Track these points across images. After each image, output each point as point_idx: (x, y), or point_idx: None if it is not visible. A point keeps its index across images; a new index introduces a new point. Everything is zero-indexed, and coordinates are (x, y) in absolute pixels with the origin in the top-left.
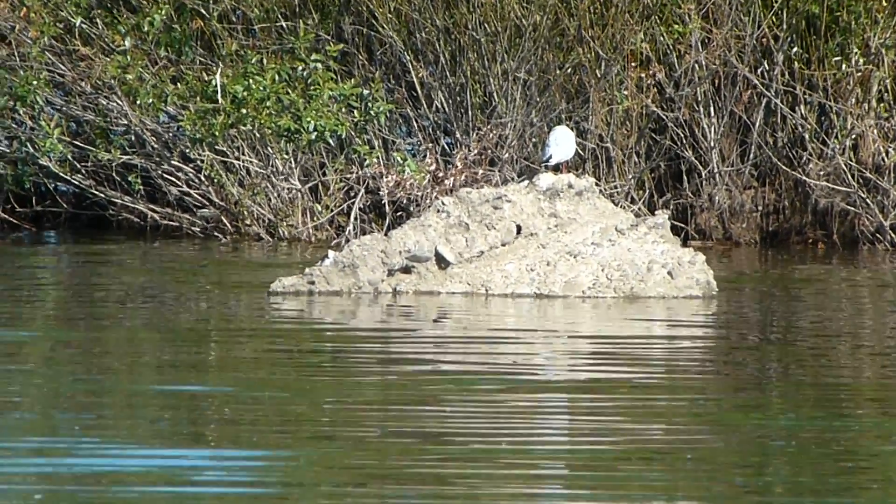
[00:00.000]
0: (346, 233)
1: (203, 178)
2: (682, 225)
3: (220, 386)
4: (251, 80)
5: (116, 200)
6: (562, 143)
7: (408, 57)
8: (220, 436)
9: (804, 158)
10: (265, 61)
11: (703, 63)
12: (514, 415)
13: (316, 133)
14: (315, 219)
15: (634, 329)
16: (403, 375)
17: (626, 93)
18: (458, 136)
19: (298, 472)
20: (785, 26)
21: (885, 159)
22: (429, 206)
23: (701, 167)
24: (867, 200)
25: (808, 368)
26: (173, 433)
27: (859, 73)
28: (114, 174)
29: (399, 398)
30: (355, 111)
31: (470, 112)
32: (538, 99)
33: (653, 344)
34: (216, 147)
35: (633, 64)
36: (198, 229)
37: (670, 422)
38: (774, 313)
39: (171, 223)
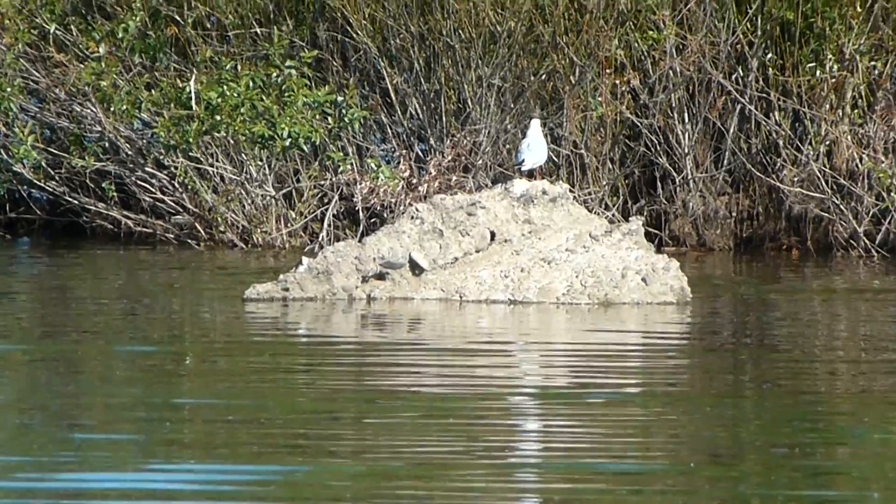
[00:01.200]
0: (320, 239)
1: (177, 185)
2: (657, 231)
3: (198, 398)
4: (225, 87)
5: (90, 207)
6: (535, 147)
7: (382, 63)
8: (200, 450)
9: (778, 165)
10: (239, 68)
11: (678, 69)
12: (489, 426)
13: (290, 139)
14: (289, 225)
15: (609, 337)
16: (379, 389)
17: (600, 99)
18: (432, 142)
19: (279, 486)
20: (759, 32)
21: (859, 165)
22: (403, 213)
23: (675, 173)
24: (841, 207)
25: (783, 378)
26: (152, 447)
27: (833, 80)
28: (88, 181)
29: (375, 412)
30: (329, 118)
31: (444, 118)
32: (512, 105)
33: (627, 353)
34: (190, 154)
35: (607, 70)
36: (172, 236)
37: (644, 433)
38: (748, 320)
39: (145, 230)
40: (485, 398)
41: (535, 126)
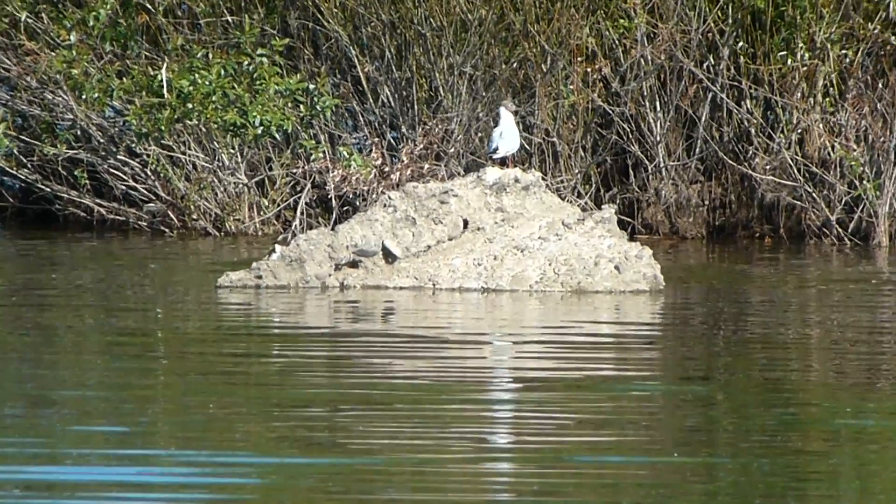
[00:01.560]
0: (293, 227)
1: (149, 173)
2: (629, 219)
3: (171, 389)
4: (197, 75)
5: (63, 195)
6: (507, 135)
7: (353, 51)
8: (172, 441)
9: (750, 153)
10: (211, 56)
11: (649, 58)
12: (462, 419)
13: (262, 127)
14: (261, 213)
15: (582, 326)
16: (352, 379)
17: (571, 87)
18: (404, 130)
19: (253, 478)
20: (730, 21)
21: (831, 154)
22: (375, 201)
23: (647, 161)
24: (813, 195)
25: (756, 368)
26: (125, 439)
27: (805, 68)
28: (60, 169)
29: (347, 402)
30: (301, 106)
31: (416, 107)
32: (484, 93)
33: (601, 342)
34: (162, 142)
35: (578, 58)
36: (144, 224)
37: (618, 423)
38: (721, 308)
39: (118, 218)
40: (459, 388)
41: (505, 114)
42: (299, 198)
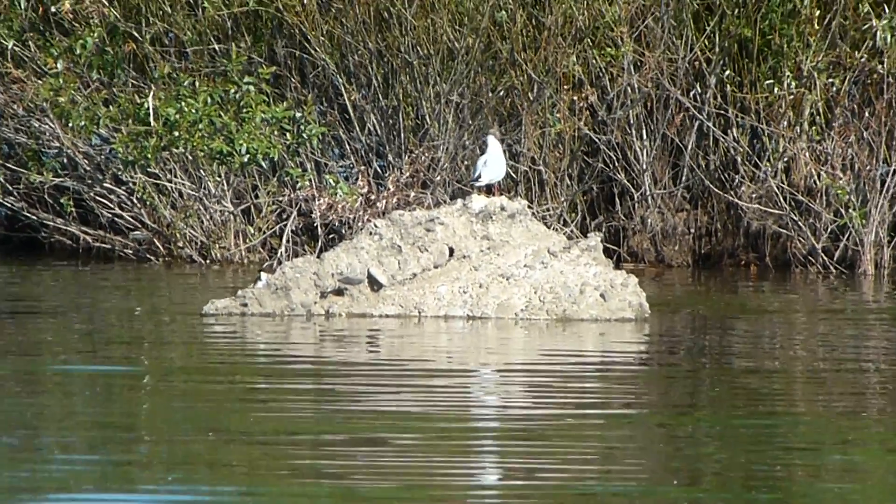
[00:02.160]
0: (279, 255)
1: (135, 201)
2: (615, 247)
3: (155, 418)
4: (183, 103)
5: (49, 223)
6: (491, 163)
7: (340, 79)
8: (158, 471)
9: (736, 181)
10: (197, 84)
11: (636, 86)
12: (448, 452)
13: (248, 155)
14: (247, 241)
15: (567, 356)
16: (337, 409)
17: (558, 115)
18: (390, 158)
19: None
20: (717, 49)
21: (817, 182)
22: (361, 229)
23: (633, 190)
24: (799, 223)
25: (741, 400)
26: (109, 469)
27: (791, 97)
28: (46, 196)
29: (331, 436)
30: (288, 134)
31: (402, 135)
32: (470, 122)
33: (585, 372)
34: (148, 169)
35: (565, 87)
36: (130, 252)
37: (604, 454)
38: (706, 338)
39: (104, 246)
40: (445, 419)
41: (493, 142)
42: (285, 225)
